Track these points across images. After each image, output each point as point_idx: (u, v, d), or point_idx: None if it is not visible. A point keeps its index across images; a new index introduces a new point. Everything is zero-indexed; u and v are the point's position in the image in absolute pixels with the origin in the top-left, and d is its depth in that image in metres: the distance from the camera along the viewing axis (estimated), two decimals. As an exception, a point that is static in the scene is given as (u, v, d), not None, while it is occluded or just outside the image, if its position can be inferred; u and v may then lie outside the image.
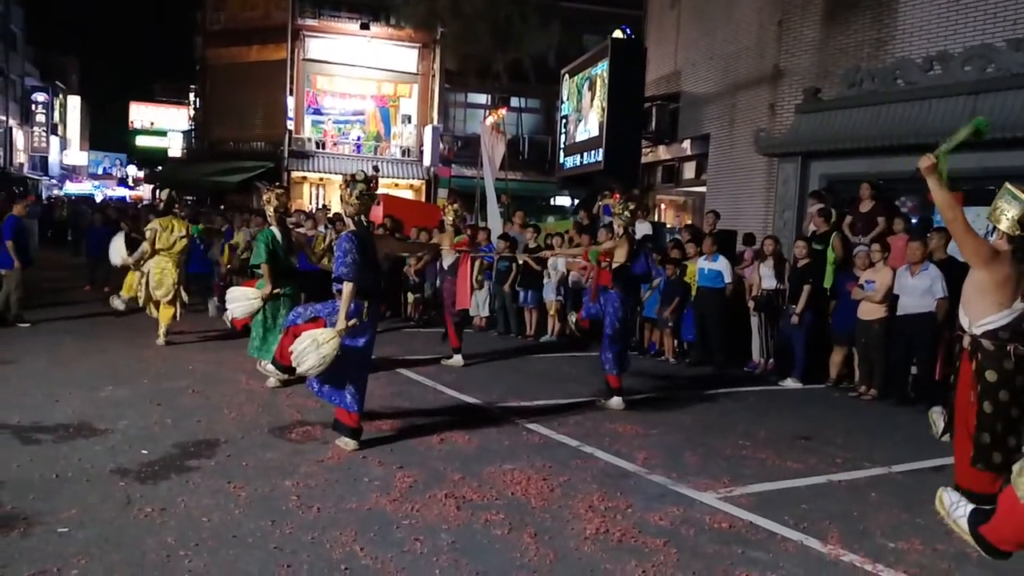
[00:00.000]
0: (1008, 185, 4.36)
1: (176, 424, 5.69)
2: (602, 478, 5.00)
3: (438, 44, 27.16)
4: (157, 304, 8.72)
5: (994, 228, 4.32)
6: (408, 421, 6.14)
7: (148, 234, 8.71)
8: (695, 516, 4.39)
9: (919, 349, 7.83)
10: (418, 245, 8.44)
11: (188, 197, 24.43)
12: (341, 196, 5.47)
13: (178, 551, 3.58)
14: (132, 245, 9.05)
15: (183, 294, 8.86)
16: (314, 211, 17.35)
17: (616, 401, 6.99)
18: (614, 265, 7.09)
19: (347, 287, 5.07)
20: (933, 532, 4.33)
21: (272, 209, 7.22)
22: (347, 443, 5.28)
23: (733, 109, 14.88)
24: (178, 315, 8.85)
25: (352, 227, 5.33)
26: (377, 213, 15.31)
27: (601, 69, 16.64)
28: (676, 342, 9.91)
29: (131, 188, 54.85)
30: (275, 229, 7.19)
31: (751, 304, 9.36)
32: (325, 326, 5.18)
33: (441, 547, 3.79)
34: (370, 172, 5.62)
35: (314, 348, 4.98)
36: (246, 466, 4.85)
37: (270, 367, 6.24)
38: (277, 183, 6.27)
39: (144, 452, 5.00)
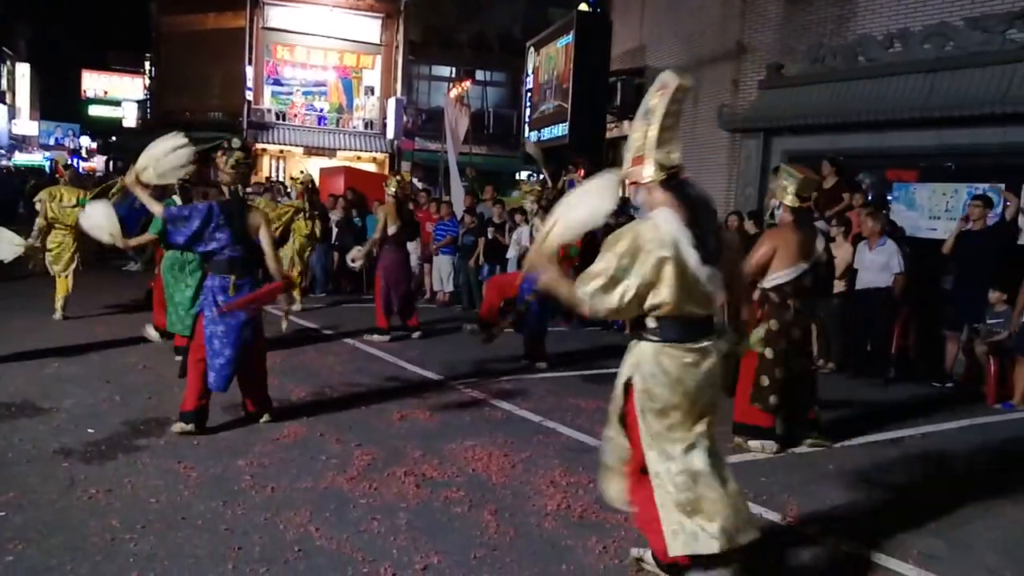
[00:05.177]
0: (784, 166, 5.53)
1: (125, 402, 5.52)
2: (564, 453, 4.96)
3: (402, 14, 26.66)
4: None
5: (780, 204, 5.24)
6: (368, 398, 6.04)
7: (38, 206, 8.42)
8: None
9: (876, 323, 7.93)
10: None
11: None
12: (217, 164, 5.21)
13: (123, 534, 3.45)
14: None
15: (79, 265, 8.54)
16: (273, 183, 16.99)
17: (543, 364, 7.55)
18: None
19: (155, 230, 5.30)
20: (889, 505, 4.38)
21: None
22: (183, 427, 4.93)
23: (697, 85, 14.80)
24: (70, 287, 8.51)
25: (226, 196, 5.11)
26: (339, 185, 15.12)
27: (566, 42, 16.48)
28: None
29: (84, 159, 53.38)
30: (176, 198, 6.88)
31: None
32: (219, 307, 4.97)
33: (399, 526, 3.72)
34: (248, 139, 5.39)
35: (104, 218, 5.16)
36: (197, 445, 4.72)
37: (151, 331, 7.29)
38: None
39: (90, 431, 4.84)
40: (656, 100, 2.89)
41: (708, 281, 2.89)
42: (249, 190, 12.92)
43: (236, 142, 5.22)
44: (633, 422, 3.07)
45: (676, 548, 2.92)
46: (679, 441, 2.97)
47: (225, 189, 5.15)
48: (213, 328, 4.93)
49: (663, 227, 2.83)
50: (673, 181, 2.93)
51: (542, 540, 3.66)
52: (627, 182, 3.05)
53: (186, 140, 5.09)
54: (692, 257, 2.82)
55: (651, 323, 2.96)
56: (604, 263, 2.84)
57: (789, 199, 5.13)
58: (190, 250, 5.14)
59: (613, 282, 2.83)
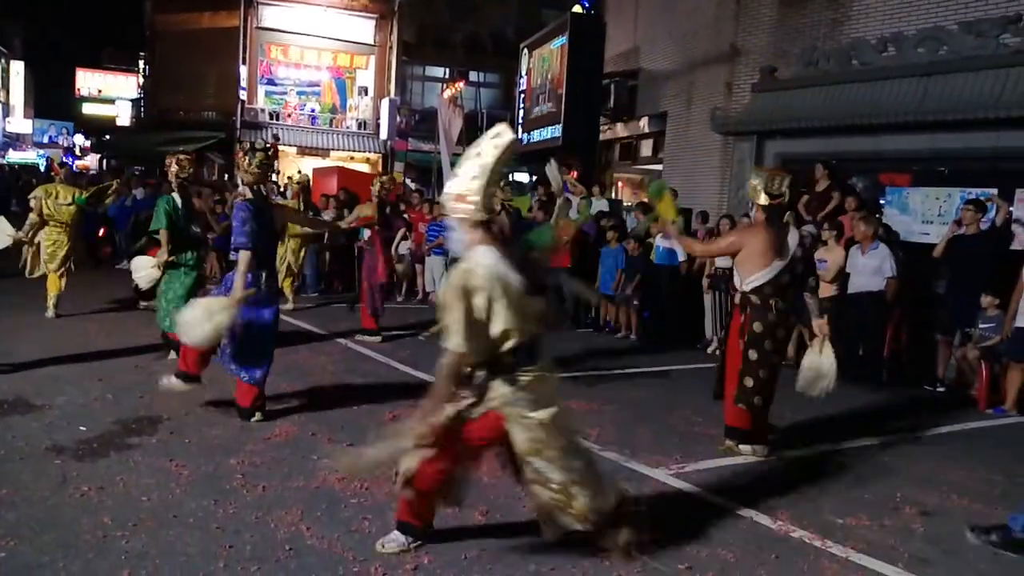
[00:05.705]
0: (754, 168, 5.69)
1: (117, 400, 5.50)
2: (555, 455, 4.96)
3: (395, 15, 26.64)
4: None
5: (753, 204, 5.34)
6: (359, 398, 6.03)
7: (33, 203, 8.45)
8: (646, 492, 4.38)
9: (868, 327, 7.95)
10: (319, 222, 8.36)
11: (136, 168, 23.74)
12: (239, 164, 5.36)
13: (115, 531, 3.45)
14: None
15: (72, 265, 8.58)
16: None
17: None
18: None
19: (244, 256, 5.01)
20: (880, 508, 4.40)
21: (173, 175, 6.98)
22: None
23: (690, 87, 14.89)
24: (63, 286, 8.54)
25: (249, 195, 5.20)
26: (332, 185, 15.10)
27: (560, 44, 16.51)
28: (637, 319, 9.88)
29: (78, 157, 53.17)
30: (176, 196, 6.93)
31: (705, 282, 9.40)
32: None
33: (390, 526, 3.71)
34: (270, 140, 5.54)
35: (206, 318, 4.84)
36: (189, 443, 4.71)
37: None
38: (182, 149, 6.07)
39: (83, 429, 4.83)
40: (488, 147, 3.17)
41: (535, 301, 3.24)
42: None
43: (260, 142, 5.31)
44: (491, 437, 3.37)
45: (548, 535, 3.49)
46: (554, 448, 3.29)
47: (246, 189, 5.24)
48: (237, 322, 5.02)
49: (485, 262, 3.12)
50: (489, 221, 3.26)
51: (532, 542, 3.65)
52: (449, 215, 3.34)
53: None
54: (516, 280, 3.15)
55: (506, 358, 3.22)
56: (450, 315, 3.09)
57: (762, 198, 5.13)
58: (254, 249, 5.12)
59: (468, 325, 3.08)
